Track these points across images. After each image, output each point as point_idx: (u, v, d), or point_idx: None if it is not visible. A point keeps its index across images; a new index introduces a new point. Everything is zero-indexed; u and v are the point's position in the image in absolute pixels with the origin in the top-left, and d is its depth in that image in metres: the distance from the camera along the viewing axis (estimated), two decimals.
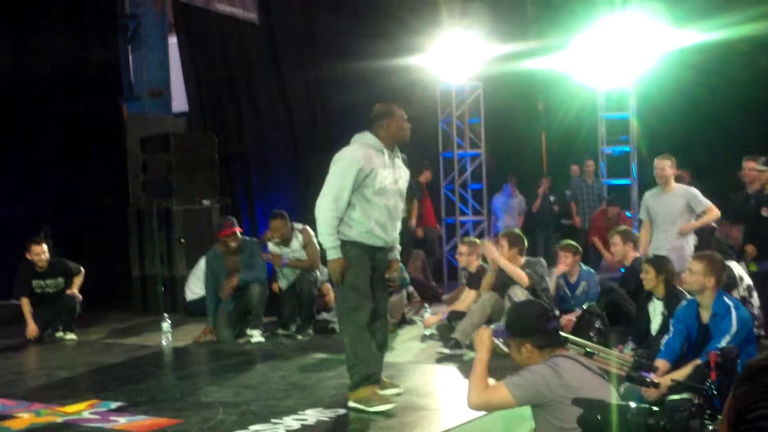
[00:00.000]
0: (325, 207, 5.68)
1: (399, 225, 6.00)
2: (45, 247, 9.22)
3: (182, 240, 10.98)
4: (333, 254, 5.67)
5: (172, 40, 12.77)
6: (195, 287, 10.28)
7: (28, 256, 9.17)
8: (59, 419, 5.76)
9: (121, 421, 5.65)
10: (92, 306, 9.76)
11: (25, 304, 9.10)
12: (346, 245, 5.69)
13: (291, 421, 5.50)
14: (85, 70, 11.58)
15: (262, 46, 13.26)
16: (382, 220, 5.76)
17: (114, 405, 6.06)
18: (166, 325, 8.66)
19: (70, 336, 9.22)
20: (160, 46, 12.41)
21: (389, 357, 7.45)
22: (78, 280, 9.26)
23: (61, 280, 9.31)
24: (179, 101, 12.85)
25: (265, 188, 13.21)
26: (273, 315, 9.20)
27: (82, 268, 9.42)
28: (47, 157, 11.18)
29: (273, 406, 5.89)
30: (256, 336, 8.67)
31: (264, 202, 12.98)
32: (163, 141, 11.15)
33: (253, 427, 5.36)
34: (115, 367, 7.58)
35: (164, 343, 8.58)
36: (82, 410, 5.98)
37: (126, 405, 6.04)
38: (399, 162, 5.93)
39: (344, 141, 6.05)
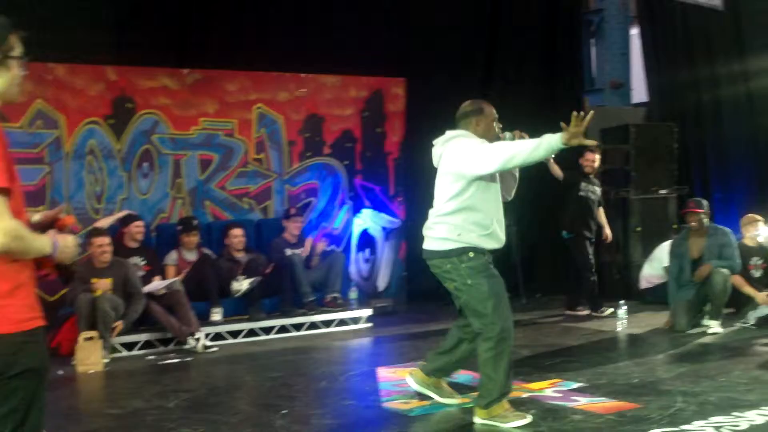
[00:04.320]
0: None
1: None
2: None
3: (638, 229, 11.11)
4: None
5: (633, 32, 12.90)
6: (649, 276, 10.37)
7: None
8: (524, 394, 6.08)
9: (582, 401, 5.86)
10: (546, 289, 10.21)
11: None
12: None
13: (754, 415, 5.34)
14: (552, 64, 12.08)
15: (726, 33, 12.85)
16: None
17: (575, 385, 6.32)
18: (622, 311, 8.91)
19: None
20: (622, 38, 12.60)
21: None
22: None
23: None
24: (638, 92, 12.95)
25: (723, 178, 12.83)
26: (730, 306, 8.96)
27: None
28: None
29: (734, 399, 5.78)
30: (714, 327, 8.55)
31: (722, 192, 12.65)
32: (623, 131, 11.34)
33: (713, 419, 5.26)
34: (575, 350, 7.91)
35: (619, 328, 8.81)
36: (545, 388, 6.31)
37: (586, 386, 6.28)
38: None
39: None
